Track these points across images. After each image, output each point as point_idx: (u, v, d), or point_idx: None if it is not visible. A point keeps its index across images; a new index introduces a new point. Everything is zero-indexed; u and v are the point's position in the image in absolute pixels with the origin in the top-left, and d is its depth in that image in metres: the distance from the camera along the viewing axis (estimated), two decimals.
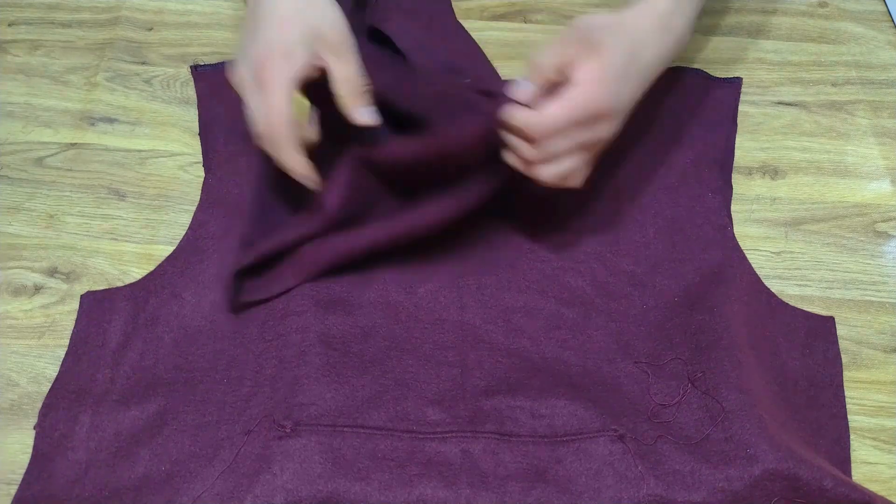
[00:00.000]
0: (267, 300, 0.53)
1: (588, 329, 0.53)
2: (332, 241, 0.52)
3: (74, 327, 0.53)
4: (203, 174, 0.60)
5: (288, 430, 0.47)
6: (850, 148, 0.63)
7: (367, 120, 0.50)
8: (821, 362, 0.53)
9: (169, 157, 0.62)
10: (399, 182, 0.54)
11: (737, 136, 0.63)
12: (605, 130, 0.49)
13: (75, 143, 0.62)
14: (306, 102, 0.52)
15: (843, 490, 0.45)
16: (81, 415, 0.50)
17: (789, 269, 0.58)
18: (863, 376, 0.54)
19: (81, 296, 0.54)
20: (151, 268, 0.55)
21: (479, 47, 0.61)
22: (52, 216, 0.59)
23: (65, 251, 0.57)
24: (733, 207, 0.59)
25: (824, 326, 0.55)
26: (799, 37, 0.69)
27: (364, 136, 0.51)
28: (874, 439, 0.52)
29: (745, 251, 0.57)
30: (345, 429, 0.47)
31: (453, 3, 0.65)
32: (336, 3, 0.51)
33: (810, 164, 0.62)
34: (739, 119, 0.64)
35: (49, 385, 0.51)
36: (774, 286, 0.56)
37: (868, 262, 0.58)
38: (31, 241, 0.58)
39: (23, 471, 0.48)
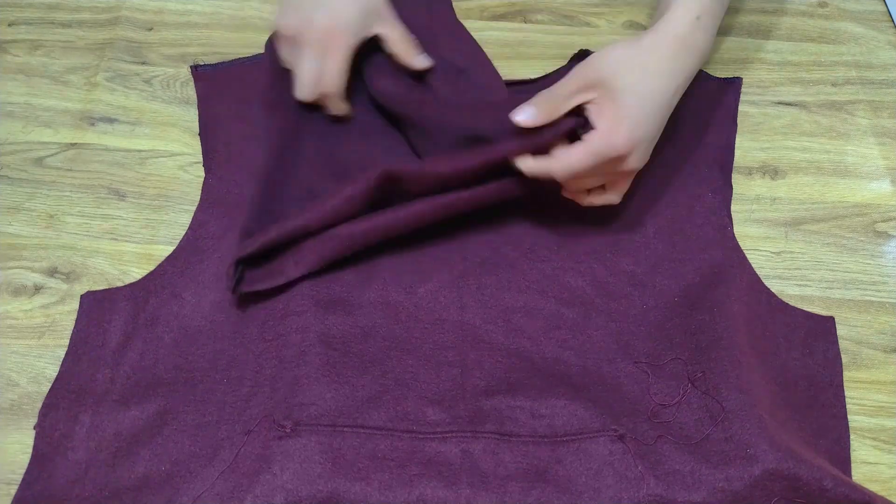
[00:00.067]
0: (267, 298, 0.53)
1: (588, 329, 0.53)
2: (334, 231, 0.52)
3: (74, 327, 0.53)
4: (203, 174, 0.60)
5: (288, 430, 0.47)
6: (850, 148, 0.63)
7: (426, 64, 0.58)
8: (821, 362, 0.53)
9: (169, 157, 0.62)
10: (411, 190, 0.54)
11: (737, 136, 0.63)
12: (632, 163, 0.51)
13: (75, 143, 0.62)
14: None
15: (843, 490, 0.45)
16: (81, 415, 0.50)
17: (789, 269, 0.58)
18: (863, 376, 0.54)
19: (81, 296, 0.54)
20: (151, 268, 0.55)
21: (479, 47, 0.61)
22: (52, 216, 0.59)
23: (65, 251, 0.57)
24: (733, 207, 0.59)
25: (824, 326, 0.55)
26: (799, 37, 0.69)
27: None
28: (874, 439, 0.52)
29: (745, 251, 0.57)
30: (345, 429, 0.47)
31: (453, 3, 0.65)
32: None
33: (810, 164, 0.62)
34: (739, 119, 0.64)
35: (49, 385, 0.51)
36: (774, 286, 0.56)
37: (868, 262, 0.58)
38: (31, 241, 0.58)
39: (23, 471, 0.48)
